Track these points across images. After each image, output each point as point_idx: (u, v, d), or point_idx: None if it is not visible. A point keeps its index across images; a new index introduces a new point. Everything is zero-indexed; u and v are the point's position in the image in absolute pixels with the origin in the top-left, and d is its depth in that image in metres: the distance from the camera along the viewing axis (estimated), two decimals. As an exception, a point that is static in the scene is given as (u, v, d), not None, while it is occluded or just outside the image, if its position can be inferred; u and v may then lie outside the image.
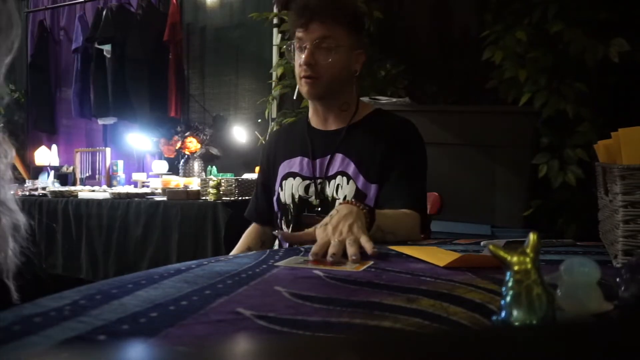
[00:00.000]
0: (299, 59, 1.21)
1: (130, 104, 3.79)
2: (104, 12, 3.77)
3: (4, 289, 0.58)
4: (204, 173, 3.55)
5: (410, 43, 2.84)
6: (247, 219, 1.44)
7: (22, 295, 0.59)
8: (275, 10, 2.91)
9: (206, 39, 3.91)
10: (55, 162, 4.09)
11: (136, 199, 2.79)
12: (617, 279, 0.53)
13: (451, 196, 1.65)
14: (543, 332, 0.29)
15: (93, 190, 3.08)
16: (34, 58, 4.37)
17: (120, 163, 3.86)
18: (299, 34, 1.21)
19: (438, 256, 0.78)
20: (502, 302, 0.42)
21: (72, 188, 3.25)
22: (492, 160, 2.19)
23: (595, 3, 2.12)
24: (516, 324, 0.41)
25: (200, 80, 3.94)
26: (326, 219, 0.93)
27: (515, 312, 0.41)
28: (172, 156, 3.66)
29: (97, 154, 3.92)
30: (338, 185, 1.23)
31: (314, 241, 0.86)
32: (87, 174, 3.90)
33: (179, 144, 3.56)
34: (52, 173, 3.80)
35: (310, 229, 0.94)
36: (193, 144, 3.56)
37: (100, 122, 4.08)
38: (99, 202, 2.82)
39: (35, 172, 4.07)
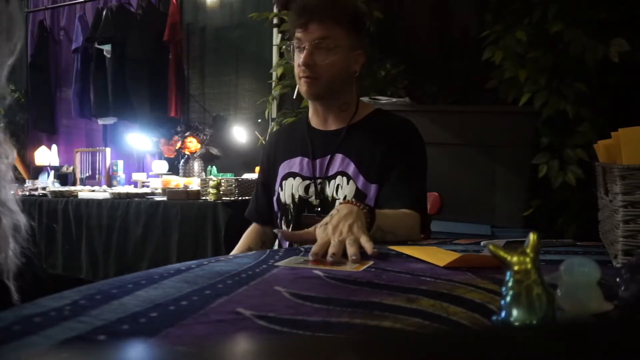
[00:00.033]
0: (298, 59, 1.21)
1: (130, 104, 3.79)
2: (104, 12, 3.77)
3: (5, 289, 0.58)
4: (204, 173, 3.55)
5: (410, 43, 2.84)
6: (247, 219, 1.44)
7: (22, 296, 0.59)
8: (275, 10, 2.90)
9: (206, 39, 3.91)
10: (55, 162, 4.09)
11: (136, 199, 2.79)
12: (617, 279, 0.53)
13: (451, 196, 1.65)
14: (543, 332, 0.29)
15: (93, 190, 3.08)
16: (34, 58, 4.37)
17: (120, 163, 3.86)
18: (298, 34, 1.21)
19: (438, 256, 0.78)
20: (502, 302, 0.42)
21: (72, 188, 3.25)
22: (492, 160, 2.19)
23: (595, 3, 2.12)
24: (516, 324, 0.41)
25: (200, 80, 3.94)
26: (326, 219, 0.93)
27: (515, 312, 0.41)
28: (172, 156, 3.67)
29: (97, 154, 3.92)
30: (338, 185, 1.23)
31: (314, 241, 0.86)
32: (87, 174, 3.90)
33: (179, 144, 3.56)
34: (52, 173, 3.80)
35: (311, 229, 0.93)
36: (193, 144, 3.56)
37: (100, 122, 4.08)
38: (99, 202, 2.82)
39: (35, 172, 4.07)
